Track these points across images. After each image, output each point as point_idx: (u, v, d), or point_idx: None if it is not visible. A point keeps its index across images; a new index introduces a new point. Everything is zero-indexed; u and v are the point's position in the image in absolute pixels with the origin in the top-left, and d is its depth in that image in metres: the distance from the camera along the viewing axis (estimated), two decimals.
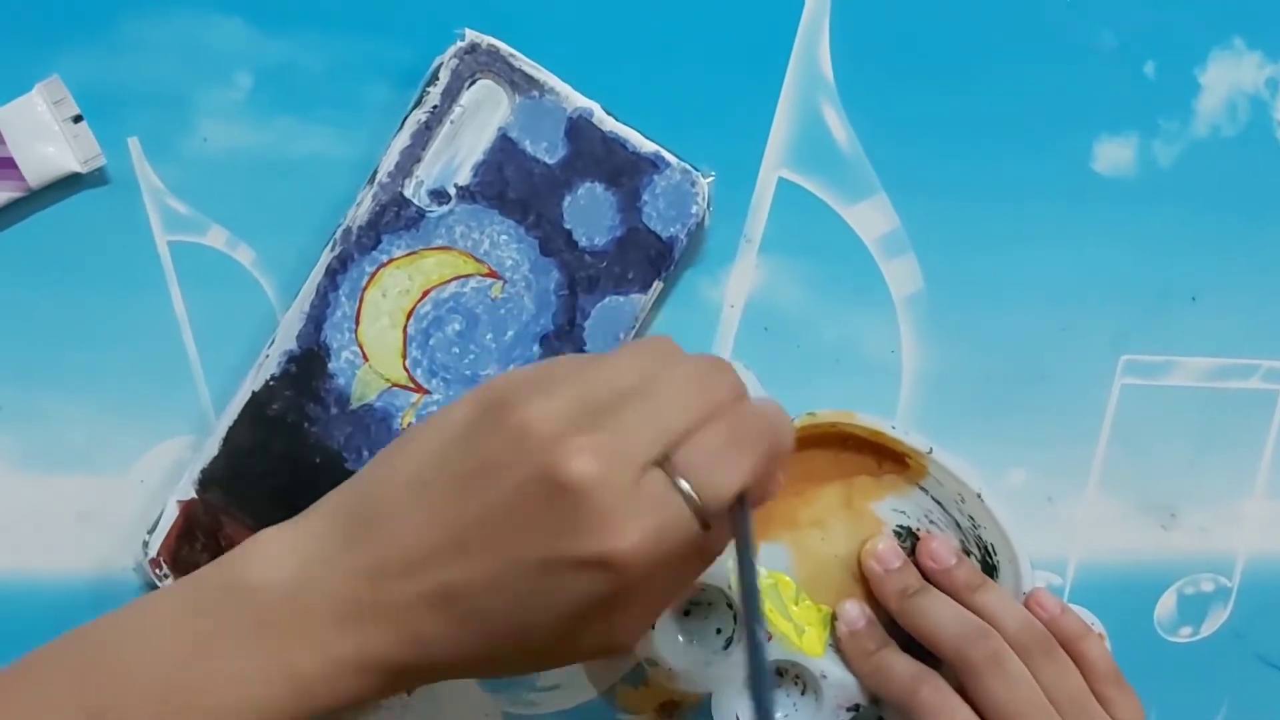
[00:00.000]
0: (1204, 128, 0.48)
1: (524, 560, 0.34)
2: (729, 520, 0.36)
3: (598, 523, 0.33)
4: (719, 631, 0.48)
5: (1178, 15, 0.48)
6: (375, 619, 0.35)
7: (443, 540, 0.35)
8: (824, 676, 0.48)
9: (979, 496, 0.48)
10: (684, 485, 0.34)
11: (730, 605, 0.48)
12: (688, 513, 0.34)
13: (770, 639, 0.47)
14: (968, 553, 0.49)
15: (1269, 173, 0.49)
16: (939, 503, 0.49)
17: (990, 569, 0.49)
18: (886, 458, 0.49)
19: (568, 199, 0.46)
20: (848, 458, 0.49)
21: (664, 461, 0.35)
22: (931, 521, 0.49)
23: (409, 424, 0.46)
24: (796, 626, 0.48)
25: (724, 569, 0.47)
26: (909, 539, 0.49)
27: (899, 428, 0.47)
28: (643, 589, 0.35)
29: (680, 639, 0.48)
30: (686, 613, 0.48)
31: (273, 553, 0.36)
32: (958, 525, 0.49)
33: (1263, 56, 0.48)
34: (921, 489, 0.49)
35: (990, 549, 0.48)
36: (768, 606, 0.47)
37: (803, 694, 0.49)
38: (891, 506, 0.49)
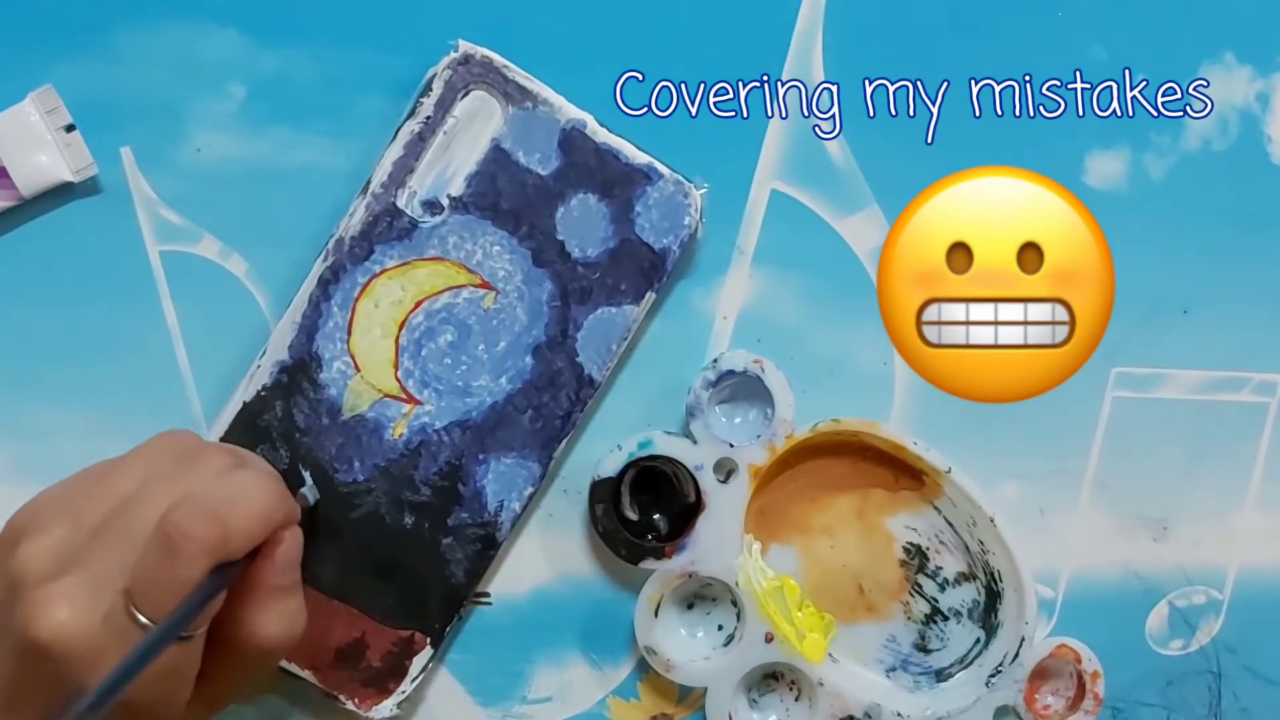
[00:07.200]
0: (1195, 141, 0.49)
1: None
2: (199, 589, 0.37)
3: (76, 670, 0.36)
4: (720, 628, 0.48)
5: (1169, 30, 0.48)
6: None
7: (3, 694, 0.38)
8: (821, 684, 0.48)
9: (992, 521, 0.48)
10: (140, 618, 0.36)
11: (734, 603, 0.48)
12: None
13: (771, 641, 0.47)
14: (973, 577, 0.49)
15: (1260, 186, 0.49)
16: (951, 524, 0.49)
17: (995, 596, 0.49)
18: (903, 473, 0.49)
19: (560, 210, 0.46)
20: (865, 469, 0.49)
21: (126, 590, 0.37)
22: (942, 542, 0.49)
23: (400, 435, 0.46)
24: (798, 631, 0.48)
25: (732, 565, 0.47)
26: (917, 557, 0.49)
27: (920, 444, 0.47)
28: (156, 692, 0.37)
29: (682, 631, 0.48)
30: (690, 606, 0.48)
31: None
32: (966, 549, 0.49)
33: (1254, 71, 0.48)
34: (935, 508, 0.49)
35: (996, 575, 0.48)
36: (771, 609, 0.47)
37: (796, 700, 0.49)
38: (904, 523, 0.49)
